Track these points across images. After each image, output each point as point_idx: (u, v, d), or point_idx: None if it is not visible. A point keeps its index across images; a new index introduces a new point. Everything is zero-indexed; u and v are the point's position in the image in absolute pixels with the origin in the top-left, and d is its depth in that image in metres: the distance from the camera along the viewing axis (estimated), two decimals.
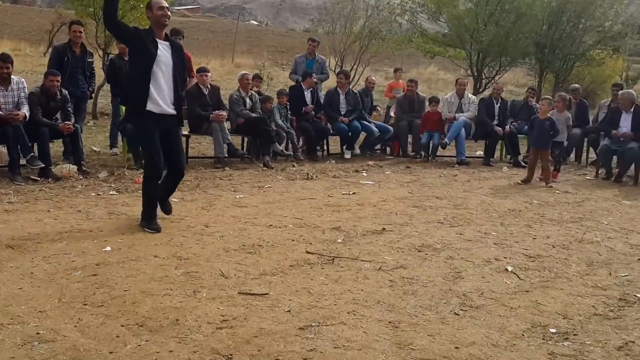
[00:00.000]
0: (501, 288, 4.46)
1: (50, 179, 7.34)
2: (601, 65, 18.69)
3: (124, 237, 5.17)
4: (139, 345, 3.21)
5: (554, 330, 3.74)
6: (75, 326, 3.40)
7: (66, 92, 8.10)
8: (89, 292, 3.89)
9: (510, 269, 4.91)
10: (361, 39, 16.95)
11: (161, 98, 5.30)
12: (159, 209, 5.62)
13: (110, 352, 3.12)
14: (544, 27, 17.30)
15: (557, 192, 8.43)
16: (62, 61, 8.65)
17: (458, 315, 3.91)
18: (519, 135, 10.75)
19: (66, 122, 7.79)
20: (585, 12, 17.11)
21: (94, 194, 6.78)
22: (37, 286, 3.94)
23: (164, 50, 5.30)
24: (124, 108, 8.91)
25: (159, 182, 5.51)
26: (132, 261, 4.53)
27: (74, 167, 7.74)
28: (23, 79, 7.88)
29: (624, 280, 4.78)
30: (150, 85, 5.22)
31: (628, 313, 4.11)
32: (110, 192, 6.92)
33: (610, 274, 4.91)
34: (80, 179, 7.51)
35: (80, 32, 9.06)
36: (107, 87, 11.90)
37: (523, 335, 3.66)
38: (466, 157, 10.55)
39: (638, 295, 4.45)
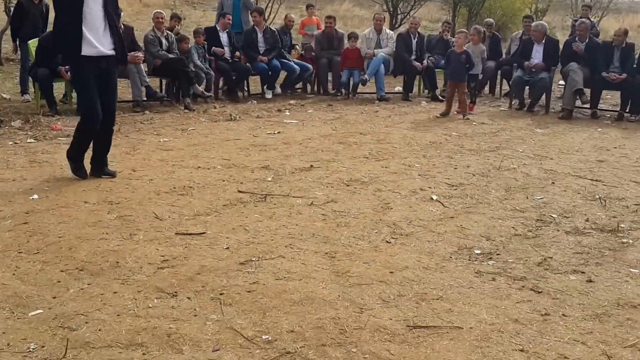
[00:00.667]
0: (428, 216, 4.68)
1: None
2: None
3: (50, 184, 5.07)
4: (82, 289, 3.22)
5: (478, 252, 3.99)
6: (14, 274, 3.37)
7: None
8: (22, 240, 3.84)
9: (435, 197, 5.14)
10: None
11: (96, 39, 4.84)
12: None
13: (54, 297, 3.12)
14: None
15: (474, 123, 8.76)
16: None
17: (389, 243, 4.10)
18: (435, 70, 10.98)
19: None
20: None
21: (10, 143, 6.55)
22: None
23: None
24: (33, 51, 8.54)
25: (95, 134, 5.16)
26: (62, 208, 4.46)
27: None
28: None
29: (540, 202, 5.11)
30: (83, 27, 4.75)
31: (545, 232, 4.42)
32: (28, 140, 6.70)
33: (527, 198, 5.23)
34: None
35: None
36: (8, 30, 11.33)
37: (451, 257, 3.89)
38: (386, 93, 10.72)
39: (553, 215, 4.77)
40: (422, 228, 4.41)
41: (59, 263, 3.52)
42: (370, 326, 2.97)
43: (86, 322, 2.89)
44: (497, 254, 3.97)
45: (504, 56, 11.52)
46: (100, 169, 5.29)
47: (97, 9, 4.81)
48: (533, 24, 10.58)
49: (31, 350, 2.66)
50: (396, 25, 16.76)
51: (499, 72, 11.43)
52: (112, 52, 4.99)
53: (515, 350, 2.81)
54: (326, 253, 3.86)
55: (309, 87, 11.39)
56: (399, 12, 17.28)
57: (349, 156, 6.49)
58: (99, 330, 2.83)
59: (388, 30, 11.57)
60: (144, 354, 2.67)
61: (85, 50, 4.81)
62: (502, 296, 3.37)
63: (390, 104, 10.24)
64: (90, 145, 5.29)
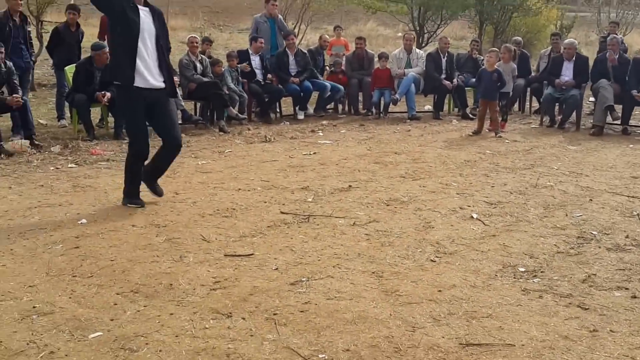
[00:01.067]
0: (469, 234, 4.70)
1: (2, 155, 7.16)
2: (537, 15, 19.16)
3: (96, 208, 5.18)
4: (138, 311, 3.29)
5: (523, 269, 4.01)
6: (70, 297, 3.45)
7: (10, 64, 7.86)
8: (76, 264, 3.93)
9: (475, 216, 5.16)
10: None
11: (148, 71, 4.94)
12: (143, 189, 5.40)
13: (112, 320, 3.19)
14: None
15: (507, 141, 8.75)
16: (4, 31, 8.35)
17: (434, 261, 4.13)
18: (465, 88, 11.00)
19: (14, 96, 7.57)
20: None
21: (52, 168, 6.68)
22: (21, 262, 3.95)
23: (146, 18, 4.93)
24: (70, 77, 8.73)
25: (145, 161, 5.24)
26: (111, 232, 4.56)
27: (26, 142, 7.56)
28: None
29: (580, 219, 5.10)
30: (137, 59, 4.86)
31: (587, 249, 4.42)
32: (69, 165, 6.83)
33: (567, 215, 5.23)
34: (34, 153, 7.34)
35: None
36: (42, 56, 11.62)
37: (496, 275, 3.91)
38: (416, 112, 10.76)
39: (594, 232, 4.77)
40: (465, 246, 4.43)
41: (113, 286, 3.61)
42: (424, 344, 3.00)
43: (146, 344, 2.95)
44: (542, 272, 3.98)
45: (532, 73, 11.50)
46: (151, 182, 5.36)
47: (151, 44, 4.95)
48: (565, 41, 10.57)
49: None
50: (423, 45, 16.82)
51: (529, 89, 11.41)
52: (162, 85, 5.09)
53: None
54: (373, 272, 3.90)
55: (340, 108, 11.48)
56: (425, 31, 17.32)
57: (386, 176, 6.53)
58: (160, 351, 2.89)
59: (418, 50, 11.64)
60: None
61: (138, 82, 4.92)
62: (550, 313, 3.39)
63: (422, 123, 10.27)
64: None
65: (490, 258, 4.21)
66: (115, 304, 3.37)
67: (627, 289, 3.73)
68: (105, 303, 3.38)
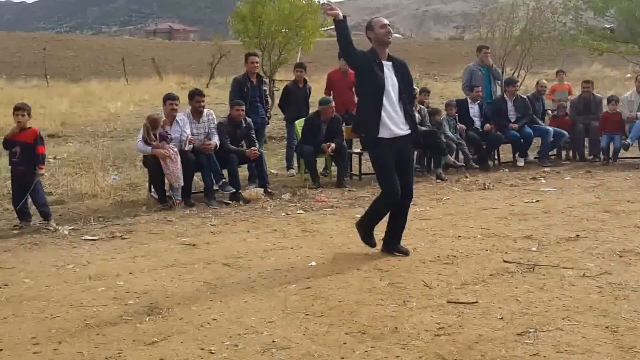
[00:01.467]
0: None
1: (240, 202, 7.87)
2: None
3: (324, 252, 5.48)
4: (366, 352, 3.42)
5: None
6: (304, 334, 3.68)
7: (250, 120, 8.68)
8: (308, 303, 4.19)
9: None
10: (522, 42, 16.51)
11: (392, 122, 5.12)
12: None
13: (342, 358, 3.36)
14: None
15: None
16: (243, 92, 9.25)
17: None
18: None
19: (252, 148, 8.33)
20: None
21: (283, 214, 7.19)
22: (260, 299, 4.30)
23: (389, 72, 5.15)
24: (299, 129, 9.39)
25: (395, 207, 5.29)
26: (338, 274, 4.79)
27: (261, 190, 8.24)
28: (212, 111, 8.57)
29: None
30: (382, 112, 5.08)
31: None
32: (298, 212, 7.30)
33: None
34: (267, 200, 7.96)
35: (257, 62, 9.68)
36: (273, 111, 12.56)
37: None
38: None
39: None
40: None
41: (342, 325, 3.78)
42: None
43: None
44: None
45: None
46: (394, 246, 5.37)
47: (394, 95, 5.14)
48: None
49: None
50: None
51: None
52: (407, 132, 5.23)
53: None
54: (607, 327, 3.66)
55: (563, 154, 10.97)
56: None
57: (617, 225, 6.11)
58: None
59: None
60: None
61: (382, 133, 5.11)
62: None
63: None
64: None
65: None
66: (345, 343, 3.53)
67: None
68: (336, 341, 3.56)
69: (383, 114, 5.09)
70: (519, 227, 6.15)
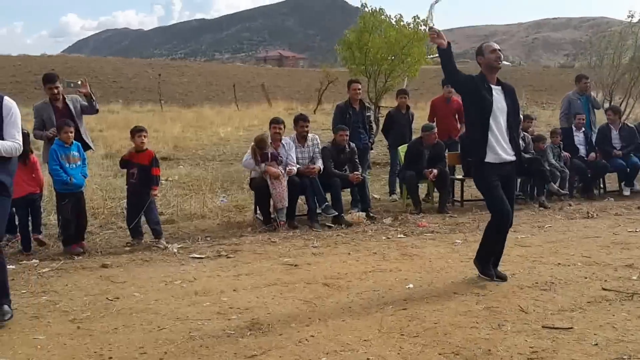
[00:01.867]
0: None
1: (343, 225, 8.13)
2: None
3: (421, 275, 5.63)
4: None
5: None
6: (398, 353, 3.87)
7: (353, 145, 8.96)
8: (403, 324, 4.37)
9: None
10: (631, 70, 16.00)
11: (499, 146, 5.16)
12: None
13: None
14: None
15: None
16: (345, 118, 9.54)
17: None
18: None
19: (355, 173, 8.61)
20: None
21: (384, 238, 7.39)
22: (357, 318, 4.52)
23: (498, 96, 5.19)
24: (402, 156, 9.58)
25: (508, 229, 5.35)
26: (435, 297, 4.95)
27: (363, 214, 8.48)
28: (317, 136, 8.94)
29: None
30: (489, 135, 5.13)
31: None
32: (398, 236, 7.47)
33: None
34: (369, 224, 8.18)
35: (359, 89, 9.98)
36: (378, 137, 12.80)
37: None
38: None
39: None
40: None
41: (436, 346, 3.94)
42: None
43: None
44: None
45: None
46: (493, 268, 5.42)
47: (502, 120, 5.18)
48: None
49: None
50: None
51: None
52: (513, 158, 5.26)
53: None
54: None
55: None
56: None
57: None
58: None
59: None
60: None
61: (489, 157, 5.15)
62: None
63: None
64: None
65: None
66: None
67: None
68: None
69: (490, 137, 5.13)
70: (620, 256, 6.06)
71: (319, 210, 8.33)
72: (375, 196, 10.29)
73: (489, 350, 3.83)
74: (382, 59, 15.24)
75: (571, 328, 4.14)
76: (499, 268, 5.48)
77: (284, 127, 8.50)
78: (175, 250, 6.82)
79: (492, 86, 5.20)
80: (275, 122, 8.49)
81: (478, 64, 5.30)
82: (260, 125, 20.16)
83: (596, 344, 3.86)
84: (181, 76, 50.86)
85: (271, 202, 8.03)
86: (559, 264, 5.87)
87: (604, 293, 4.91)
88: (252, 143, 8.24)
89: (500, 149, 5.17)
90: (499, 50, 5.28)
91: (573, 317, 4.38)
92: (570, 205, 9.12)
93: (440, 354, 3.82)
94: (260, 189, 8.03)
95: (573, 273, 5.53)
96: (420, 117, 11.67)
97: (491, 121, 5.13)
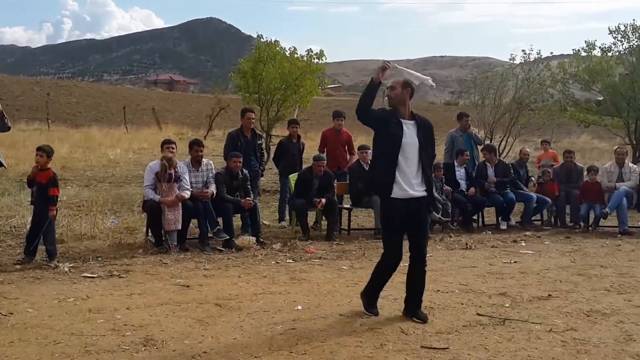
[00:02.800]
0: None
1: (233, 249, 8.19)
2: None
3: (310, 298, 5.80)
4: None
5: None
6: None
7: (246, 171, 9.07)
8: (292, 342, 4.52)
9: None
10: (511, 110, 17.19)
11: (406, 182, 5.00)
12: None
13: None
14: None
15: None
16: (236, 146, 9.62)
17: None
18: None
19: (247, 198, 8.71)
20: None
21: (273, 262, 7.52)
22: (248, 337, 4.63)
23: (409, 131, 5.04)
24: (292, 183, 9.79)
25: (394, 271, 5.25)
26: (322, 318, 5.13)
27: (253, 239, 8.57)
28: (211, 161, 8.99)
29: None
30: (396, 171, 4.98)
31: None
32: (287, 261, 7.63)
33: None
34: (259, 249, 8.28)
35: (253, 118, 10.13)
36: (268, 165, 12.99)
37: None
38: (629, 227, 10.36)
39: None
40: None
41: None
42: None
43: None
44: None
45: None
46: (414, 311, 5.21)
47: (412, 155, 5.03)
48: None
49: None
50: None
51: None
52: (422, 194, 5.09)
53: None
54: None
55: (545, 219, 11.37)
56: None
57: (589, 288, 6.46)
58: None
59: (631, 164, 11.30)
60: None
61: (395, 193, 5.00)
62: None
63: (634, 238, 9.85)
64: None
65: None
66: None
67: None
68: None
69: (397, 173, 4.99)
70: (495, 285, 6.50)
71: (210, 234, 8.36)
72: (265, 222, 10.41)
73: None
74: (275, 89, 15.55)
75: (447, 348, 4.44)
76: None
77: (175, 146, 8.60)
78: (67, 269, 6.68)
79: (403, 121, 5.07)
80: (167, 143, 8.59)
81: (388, 97, 5.18)
82: (151, 149, 19.89)
83: None
84: (69, 96, 49.14)
85: (163, 225, 7.97)
86: (438, 290, 6.21)
87: (478, 318, 5.26)
88: (163, 160, 8.15)
89: (407, 185, 5.01)
90: (411, 86, 5.17)
91: (449, 338, 4.68)
92: (450, 236, 9.63)
93: None
94: (153, 210, 7.96)
95: (451, 299, 5.88)
96: (311, 147, 11.98)
97: (400, 157, 4.99)
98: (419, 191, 5.08)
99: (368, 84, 5.03)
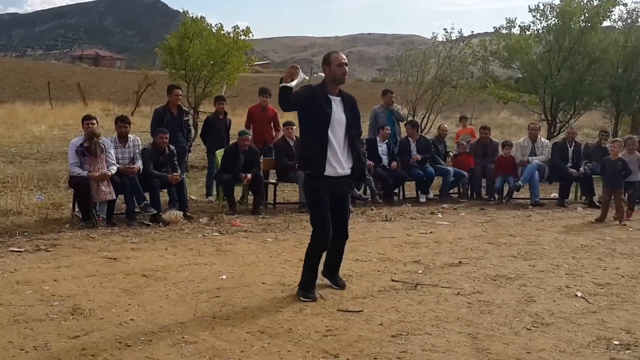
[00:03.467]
0: (570, 309, 5.01)
1: (160, 224, 8.28)
2: None
3: (234, 268, 6.01)
4: (263, 347, 3.99)
5: (617, 343, 4.28)
6: (210, 333, 4.22)
7: (173, 147, 9.12)
8: (216, 309, 4.73)
9: (579, 294, 5.44)
10: (433, 88, 17.69)
11: (336, 161, 4.98)
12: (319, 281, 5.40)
13: (242, 351, 3.90)
14: (619, 70, 17.50)
15: (631, 229, 8.79)
16: (163, 122, 9.64)
17: (530, 330, 4.50)
18: (593, 177, 11.10)
19: (173, 174, 8.79)
20: None
21: (200, 236, 7.67)
22: (174, 305, 4.81)
23: (337, 107, 4.99)
24: (219, 159, 9.90)
25: (325, 251, 5.17)
26: (245, 287, 5.35)
27: (180, 213, 8.67)
28: (138, 137, 9.00)
29: None
30: (327, 148, 4.92)
31: None
32: (214, 234, 7.79)
33: None
34: (186, 223, 8.41)
35: (180, 95, 10.16)
36: (196, 142, 13.02)
37: (589, 345, 4.22)
38: (541, 199, 10.99)
39: None
40: (563, 320, 4.75)
41: (245, 327, 4.34)
42: None
43: None
44: (636, 346, 4.23)
45: None
46: (333, 277, 5.40)
47: (340, 132, 4.99)
48: None
49: None
50: (555, 134, 16.97)
51: None
52: (348, 172, 5.09)
53: None
54: (469, 334, 4.35)
55: (461, 192, 11.88)
56: (557, 120, 17.49)
57: (497, 255, 6.91)
58: None
59: (543, 139, 11.95)
60: None
61: (328, 171, 4.95)
62: None
63: (545, 209, 10.48)
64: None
65: (586, 331, 4.51)
66: (245, 340, 4.08)
67: None
68: (238, 339, 4.11)
69: (329, 150, 4.93)
70: (410, 254, 6.86)
71: (137, 209, 8.43)
72: (193, 197, 10.51)
73: (290, 329, 4.30)
74: (202, 66, 15.54)
75: (361, 311, 4.74)
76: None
77: (96, 121, 8.55)
78: None
79: (332, 97, 5.00)
80: (88, 118, 8.50)
81: (323, 72, 5.08)
82: (76, 125, 19.39)
83: (381, 324, 4.47)
84: None
85: (94, 198, 7.98)
86: (357, 259, 6.52)
87: (392, 284, 5.60)
88: (92, 136, 8.12)
89: (336, 164, 4.99)
90: (346, 64, 5.05)
91: (364, 302, 4.99)
92: (372, 209, 9.98)
93: (248, 333, 4.22)
94: (80, 186, 7.96)
95: (368, 267, 6.20)
96: (239, 123, 12.08)
97: (329, 134, 4.93)
98: (346, 169, 5.08)
99: (280, 87, 4.81)
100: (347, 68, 5.04)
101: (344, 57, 5.13)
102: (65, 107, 27.33)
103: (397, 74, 19.69)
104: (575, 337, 4.37)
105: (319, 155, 4.93)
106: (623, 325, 4.64)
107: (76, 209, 8.37)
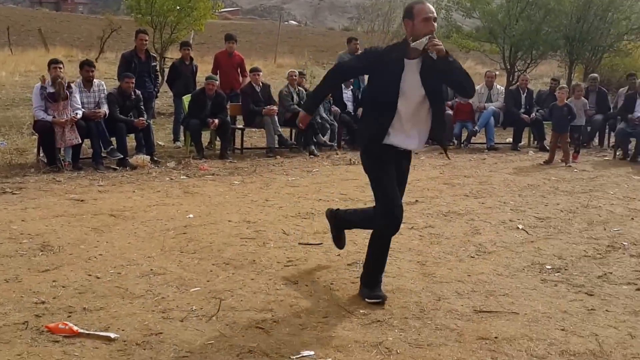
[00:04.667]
0: (511, 240, 5.48)
1: (127, 168, 8.49)
2: (628, 56, 19.19)
3: (201, 208, 6.32)
4: (228, 277, 4.34)
5: (549, 267, 4.76)
6: (178, 265, 4.55)
7: (139, 92, 9.27)
8: (183, 244, 5.05)
9: (520, 227, 5.91)
10: (399, 36, 17.89)
11: (402, 131, 3.99)
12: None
13: (208, 281, 4.25)
14: (573, 21, 17.89)
15: (575, 170, 9.32)
16: (130, 67, 9.79)
17: (473, 257, 4.96)
18: (544, 122, 11.57)
19: (140, 118, 8.96)
20: (612, 5, 17.64)
21: (167, 179, 7.93)
22: (142, 241, 5.12)
23: (412, 73, 3.90)
24: (186, 104, 10.09)
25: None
26: (212, 224, 5.67)
27: (147, 158, 8.88)
28: (103, 82, 9.12)
29: (616, 233, 5.75)
30: (395, 117, 3.94)
31: (612, 255, 5.11)
32: (181, 177, 8.06)
33: (605, 229, 5.89)
34: (153, 167, 8.62)
35: (146, 40, 10.26)
36: (163, 88, 13.13)
37: (524, 269, 4.69)
38: (496, 143, 11.46)
39: (624, 243, 5.43)
40: (504, 248, 5.21)
41: (210, 259, 4.68)
42: (444, 309, 3.86)
43: (232, 295, 3.98)
44: (565, 269, 4.72)
45: (611, 110, 11.95)
46: (341, 230, 4.74)
47: (415, 101, 3.96)
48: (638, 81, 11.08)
49: (193, 310, 3.76)
50: (513, 82, 17.37)
51: (607, 124, 11.85)
52: (414, 147, 4.14)
53: (557, 329, 3.59)
54: (418, 262, 4.78)
55: None
56: (516, 69, 17.87)
57: (451, 194, 7.35)
58: (241, 300, 3.90)
59: (499, 86, 12.36)
60: (272, 316, 3.70)
61: (391, 140, 4.00)
62: (559, 296, 4.15)
63: (499, 153, 10.95)
64: None
65: (523, 257, 4.98)
66: (211, 271, 4.43)
67: (635, 284, 4.41)
68: (204, 270, 4.45)
69: (395, 119, 3.96)
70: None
71: (104, 154, 8.61)
72: (160, 143, 10.69)
73: (254, 260, 4.66)
74: (168, 11, 15.42)
75: (321, 244, 5.13)
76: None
77: (63, 66, 8.61)
78: None
79: (407, 60, 3.90)
80: (55, 62, 8.54)
81: (405, 25, 3.95)
82: (38, 71, 19.18)
83: (338, 255, 4.85)
84: None
85: (59, 143, 8.13)
86: (320, 199, 6.89)
87: None
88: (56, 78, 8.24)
89: (403, 134, 4.01)
90: (434, 20, 3.84)
91: (324, 237, 5.34)
92: (337, 154, 10.33)
93: (213, 265, 4.56)
94: (45, 131, 8.10)
95: (330, 206, 6.54)
96: (207, 70, 12.20)
97: (399, 102, 3.93)
98: (413, 143, 4.12)
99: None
100: (435, 25, 3.85)
101: (432, 9, 3.88)
102: (26, 53, 26.84)
103: (368, 24, 19.82)
104: (512, 262, 4.84)
105: (384, 122, 3.98)
106: (556, 252, 5.12)
107: (41, 154, 8.51)
